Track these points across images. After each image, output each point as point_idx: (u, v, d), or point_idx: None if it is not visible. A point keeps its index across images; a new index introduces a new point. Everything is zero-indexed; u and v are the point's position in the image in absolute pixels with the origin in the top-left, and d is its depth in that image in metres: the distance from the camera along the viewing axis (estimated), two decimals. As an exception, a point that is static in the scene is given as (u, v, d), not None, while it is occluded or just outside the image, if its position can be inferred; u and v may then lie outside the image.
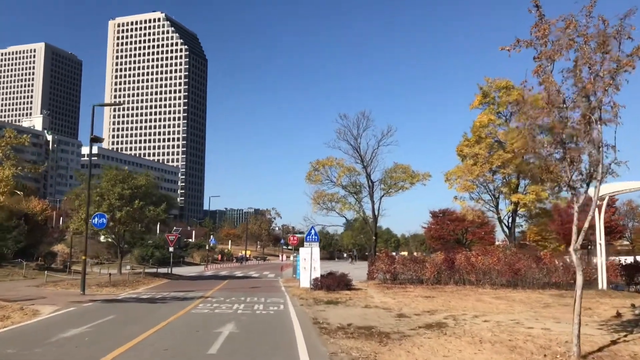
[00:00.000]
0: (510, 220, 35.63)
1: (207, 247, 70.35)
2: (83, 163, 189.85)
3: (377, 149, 37.59)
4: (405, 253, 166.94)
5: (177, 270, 53.85)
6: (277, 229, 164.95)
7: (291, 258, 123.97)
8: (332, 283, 27.62)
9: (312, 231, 27.46)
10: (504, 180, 34.27)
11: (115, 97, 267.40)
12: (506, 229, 35.84)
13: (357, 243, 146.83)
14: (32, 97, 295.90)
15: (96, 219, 24.65)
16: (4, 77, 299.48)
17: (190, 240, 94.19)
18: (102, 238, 45.98)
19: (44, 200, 71.36)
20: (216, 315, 17.32)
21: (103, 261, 56.61)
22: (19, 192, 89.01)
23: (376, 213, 37.36)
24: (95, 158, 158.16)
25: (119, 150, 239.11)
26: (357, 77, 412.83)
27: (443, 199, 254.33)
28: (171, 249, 43.67)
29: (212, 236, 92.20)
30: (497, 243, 79.53)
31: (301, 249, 30.87)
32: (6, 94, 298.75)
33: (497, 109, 34.99)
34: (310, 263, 28.23)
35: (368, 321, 16.41)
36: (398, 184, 37.71)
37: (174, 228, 55.25)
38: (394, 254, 38.98)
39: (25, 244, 41.42)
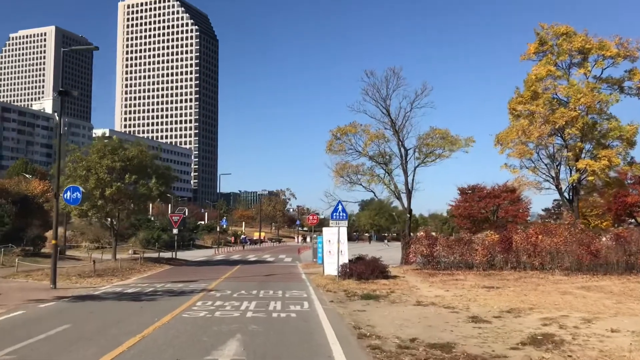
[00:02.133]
0: (571, 193, 29.99)
1: (218, 229, 65.50)
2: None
3: (409, 112, 32.06)
4: (423, 234, 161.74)
5: (184, 255, 48.98)
6: (291, 210, 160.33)
7: (308, 240, 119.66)
8: (364, 270, 22.38)
9: (339, 207, 22.15)
10: (566, 144, 28.53)
11: (126, 79, 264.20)
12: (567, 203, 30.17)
13: (374, 224, 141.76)
14: (44, 81, 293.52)
15: (68, 193, 19.53)
16: (15, 62, 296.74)
17: (202, 222, 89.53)
18: (93, 219, 40.97)
19: (45, 181, 66.84)
20: (215, 323, 12.14)
21: (105, 245, 51.89)
22: (27, 176, 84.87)
23: (410, 186, 31.93)
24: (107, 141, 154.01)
25: (132, 133, 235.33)
26: (383, 29, 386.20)
27: (467, 174, 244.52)
28: (175, 231, 38.71)
29: (224, 217, 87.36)
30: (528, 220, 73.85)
31: (325, 229, 25.64)
32: (18, 78, 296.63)
33: (556, 59, 29.22)
34: (337, 246, 23.04)
35: (436, 331, 11.16)
36: (435, 152, 32.17)
37: (178, 208, 50.21)
38: (433, 234, 33.46)
39: (11, 227, 36.57)
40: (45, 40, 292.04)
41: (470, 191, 66.38)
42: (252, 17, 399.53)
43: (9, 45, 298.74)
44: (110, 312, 14.10)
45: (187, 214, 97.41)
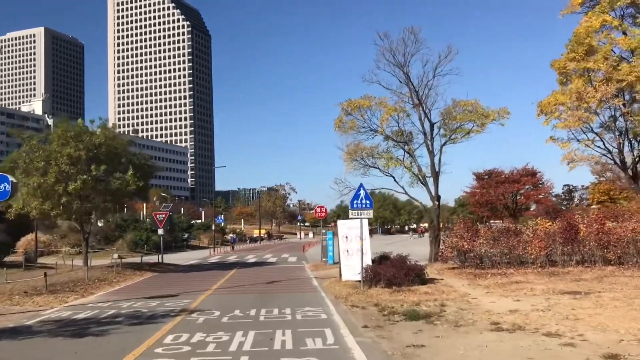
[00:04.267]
0: (635, 169, 24.73)
1: (213, 228, 60.21)
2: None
3: (432, 80, 26.72)
4: (426, 225, 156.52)
5: (174, 258, 43.70)
6: (292, 205, 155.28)
7: (310, 235, 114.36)
8: (395, 274, 17.14)
9: (361, 192, 16.86)
10: (628, 110, 23.15)
11: (118, 78, 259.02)
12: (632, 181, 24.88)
13: (379, 216, 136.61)
14: (34, 82, 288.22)
15: (-9, 185, 14.20)
16: (5, 64, 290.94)
17: (197, 221, 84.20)
18: (60, 221, 35.58)
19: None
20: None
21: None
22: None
23: (437, 168, 26.69)
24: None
25: (127, 133, 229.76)
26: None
27: (478, 159, 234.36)
28: (160, 231, 33.44)
29: (220, 215, 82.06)
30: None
31: (340, 223, 20.37)
32: (9, 80, 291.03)
33: (610, 8, 23.95)
34: (358, 243, 17.82)
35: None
36: (464, 127, 26.87)
37: (163, 205, 44.94)
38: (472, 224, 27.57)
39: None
40: (35, 41, 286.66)
41: (486, 176, 61.04)
42: (243, 10, 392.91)
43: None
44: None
45: (183, 211, 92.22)
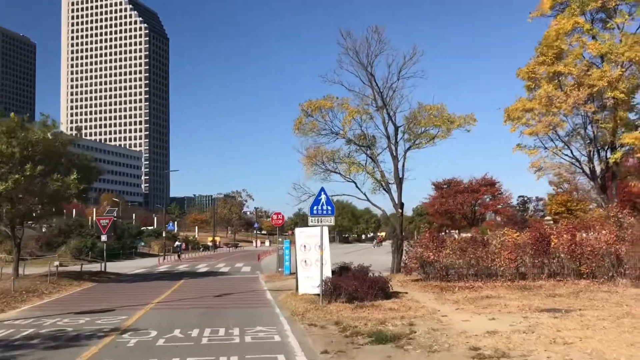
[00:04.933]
0: (603, 178, 23.90)
1: (163, 235, 57.41)
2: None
3: (396, 82, 25.44)
4: (384, 234, 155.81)
5: (121, 266, 41.10)
6: (249, 213, 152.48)
7: (267, 244, 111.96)
8: (358, 288, 15.56)
9: (322, 197, 15.26)
10: (594, 118, 22.24)
11: (72, 80, 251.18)
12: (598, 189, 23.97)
13: (337, 224, 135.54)
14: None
15: None
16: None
17: (149, 227, 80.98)
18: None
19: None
20: None
21: (25, 257, 43.40)
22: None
23: (400, 174, 25.35)
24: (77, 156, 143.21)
25: (80, 136, 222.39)
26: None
27: (437, 168, 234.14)
28: (104, 238, 30.99)
29: (173, 222, 79.09)
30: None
31: (298, 231, 18.72)
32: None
33: (580, 11, 23.18)
34: (318, 253, 16.21)
35: None
36: (429, 132, 25.67)
37: (108, 209, 42.33)
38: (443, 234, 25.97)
39: None
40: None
41: (445, 186, 60.76)
42: (203, 14, 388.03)
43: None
44: None
45: (135, 217, 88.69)
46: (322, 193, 15.46)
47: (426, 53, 26.73)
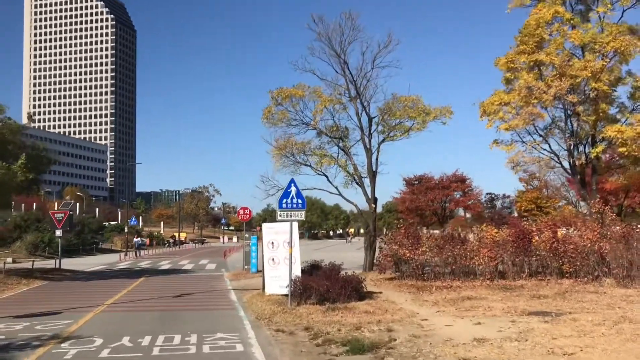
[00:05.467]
0: (582, 173, 23.18)
1: (126, 230, 55.20)
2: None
3: (371, 72, 24.25)
4: (353, 230, 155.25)
5: (79, 262, 39.15)
6: (216, 208, 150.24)
7: (235, 240, 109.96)
8: (329, 288, 14.32)
9: (292, 190, 13.94)
10: (574, 111, 21.41)
11: (34, 70, 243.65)
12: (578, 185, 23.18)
13: (306, 220, 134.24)
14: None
15: None
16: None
17: (111, 223, 78.30)
18: None
19: None
20: None
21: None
22: None
23: (374, 167, 24.20)
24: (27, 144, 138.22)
25: (42, 128, 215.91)
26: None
27: (407, 164, 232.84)
28: (59, 232, 29.05)
29: (138, 216, 76.66)
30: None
31: (266, 227, 17.37)
32: None
33: (561, 1, 22.33)
34: (287, 251, 14.93)
35: None
36: (404, 124, 24.58)
37: (63, 202, 40.19)
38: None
39: None
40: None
41: (416, 182, 60.03)
42: (171, 6, 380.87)
43: None
44: None
45: (98, 212, 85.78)
46: (292, 185, 14.15)
47: (402, 42, 25.56)
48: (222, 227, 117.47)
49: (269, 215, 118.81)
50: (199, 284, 22.38)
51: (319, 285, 14.46)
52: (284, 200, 14.06)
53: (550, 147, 23.34)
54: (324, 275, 15.43)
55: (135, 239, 52.41)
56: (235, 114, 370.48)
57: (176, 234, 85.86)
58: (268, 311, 13.50)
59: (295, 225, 15.05)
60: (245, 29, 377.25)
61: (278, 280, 16.39)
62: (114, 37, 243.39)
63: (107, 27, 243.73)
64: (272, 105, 24.43)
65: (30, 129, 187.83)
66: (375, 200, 24.52)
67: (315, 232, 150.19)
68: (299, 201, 14.08)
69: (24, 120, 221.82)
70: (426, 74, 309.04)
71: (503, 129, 22.91)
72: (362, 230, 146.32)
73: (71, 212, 30.99)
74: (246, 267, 27.71)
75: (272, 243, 16.87)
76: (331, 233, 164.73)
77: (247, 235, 29.18)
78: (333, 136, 24.75)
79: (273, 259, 16.76)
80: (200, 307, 15.37)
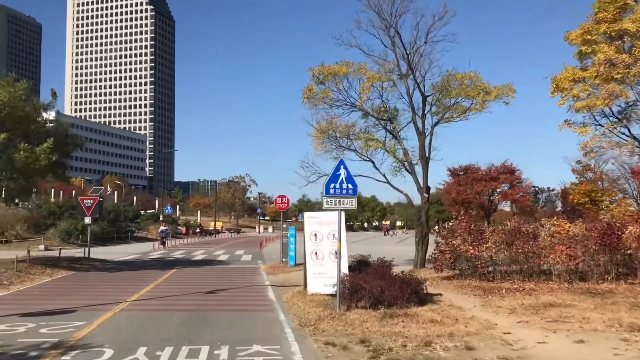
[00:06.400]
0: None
1: (160, 218, 53.95)
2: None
3: (423, 46, 21.77)
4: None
5: (111, 251, 37.91)
6: (252, 198, 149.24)
7: (270, 230, 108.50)
8: (386, 289, 12.09)
9: (341, 173, 11.72)
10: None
11: (77, 61, 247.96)
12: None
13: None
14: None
15: None
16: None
17: (147, 211, 77.62)
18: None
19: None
20: None
21: (9, 239, 40.20)
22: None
23: (427, 152, 21.80)
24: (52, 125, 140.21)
25: (83, 118, 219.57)
26: None
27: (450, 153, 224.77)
28: (87, 220, 27.57)
29: (176, 205, 75.64)
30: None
31: (308, 216, 15.22)
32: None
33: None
34: (332, 244, 12.84)
35: None
36: (461, 104, 22.08)
37: (93, 188, 38.89)
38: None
39: None
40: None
41: (462, 172, 56.87)
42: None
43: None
44: None
45: (136, 200, 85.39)
46: (342, 167, 11.92)
47: (458, 14, 23.06)
48: (258, 217, 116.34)
49: (304, 206, 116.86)
50: (234, 278, 20.45)
51: (372, 285, 12.24)
52: (332, 185, 11.85)
53: (629, 131, 20.49)
54: (375, 274, 13.21)
55: (161, 228, 48.03)
56: (273, 102, 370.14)
57: (218, 223, 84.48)
58: (313, 316, 11.39)
59: (343, 215, 12.84)
60: (284, 17, 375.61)
61: (322, 277, 14.26)
62: (153, 27, 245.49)
63: (146, 17, 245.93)
64: (313, 84, 22.20)
65: (74, 119, 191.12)
66: (427, 189, 22.08)
67: (351, 223, 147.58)
68: (350, 186, 11.86)
69: (67, 111, 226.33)
70: (477, 51, 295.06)
71: (578, 107, 20.13)
72: (398, 223, 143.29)
73: (101, 199, 29.45)
74: (284, 259, 25.69)
75: (315, 235, 14.72)
76: (366, 225, 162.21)
77: (284, 226, 27.11)
78: (381, 117, 22.39)
79: (316, 253, 14.62)
80: (235, 307, 13.34)
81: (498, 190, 56.69)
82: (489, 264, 16.66)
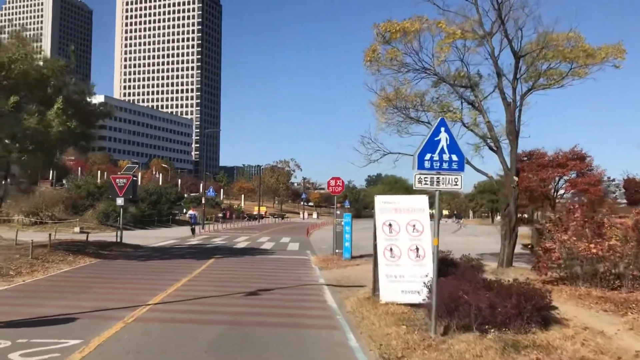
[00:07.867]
0: None
1: (202, 201, 51.41)
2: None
3: (509, -1, 17.85)
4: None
5: (148, 235, 35.51)
6: (296, 183, 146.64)
7: (314, 216, 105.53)
8: (498, 304, 8.53)
9: (441, 136, 8.21)
10: None
11: (126, 45, 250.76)
12: None
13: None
14: (42, 48, 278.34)
15: None
16: (12, 27, 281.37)
17: (192, 194, 75.75)
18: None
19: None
20: None
21: (45, 219, 38.25)
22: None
23: (517, 127, 17.95)
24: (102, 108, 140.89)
25: (132, 102, 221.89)
26: None
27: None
28: (120, 201, 24.87)
29: (221, 188, 73.38)
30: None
31: (381, 200, 11.71)
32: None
33: None
34: (412, 239, 9.51)
35: None
36: (558, 69, 18.13)
37: (126, 166, 36.33)
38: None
39: None
40: (42, 4, 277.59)
41: (525, 158, 52.18)
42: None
43: (5, 9, 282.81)
44: None
45: (180, 183, 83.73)
46: (442, 129, 8.34)
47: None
48: (302, 202, 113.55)
49: (350, 192, 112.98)
50: (280, 273, 17.19)
51: (478, 299, 8.68)
52: (428, 156, 8.29)
53: None
54: (476, 282, 9.64)
55: (189, 212, 42.56)
56: (322, 88, 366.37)
57: (262, 208, 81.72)
58: (397, 341, 7.94)
59: (437, 199, 9.27)
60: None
61: (399, 282, 10.81)
62: (200, 12, 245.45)
63: (193, 2, 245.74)
64: (377, 44, 18.55)
65: (123, 102, 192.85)
66: (517, 171, 18.27)
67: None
68: (454, 158, 8.29)
69: (116, 95, 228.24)
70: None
71: None
72: (445, 212, 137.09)
73: (134, 178, 26.72)
74: (337, 251, 22.33)
75: (390, 225, 11.24)
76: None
77: (338, 212, 23.71)
78: (459, 84, 18.59)
79: (391, 250, 11.14)
80: (283, 319, 9.98)
81: (565, 178, 51.97)
82: (608, 269, 12.81)
